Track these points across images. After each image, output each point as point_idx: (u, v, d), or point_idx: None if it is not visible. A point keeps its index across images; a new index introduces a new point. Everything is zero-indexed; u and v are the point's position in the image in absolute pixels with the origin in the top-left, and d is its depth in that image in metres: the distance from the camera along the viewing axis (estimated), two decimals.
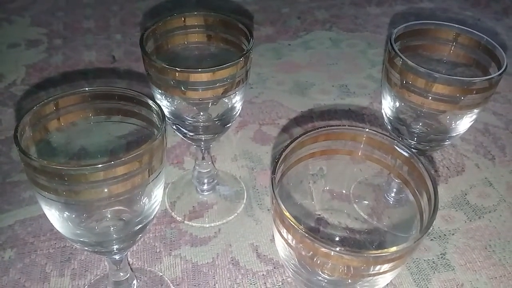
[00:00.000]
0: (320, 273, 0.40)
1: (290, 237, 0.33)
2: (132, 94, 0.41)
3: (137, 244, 0.56)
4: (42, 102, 0.39)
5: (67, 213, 0.39)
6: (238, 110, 0.53)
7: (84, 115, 0.43)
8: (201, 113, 0.53)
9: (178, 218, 0.60)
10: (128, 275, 0.48)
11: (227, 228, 0.59)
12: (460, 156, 0.69)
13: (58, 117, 0.41)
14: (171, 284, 0.52)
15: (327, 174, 0.42)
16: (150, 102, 0.40)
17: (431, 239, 0.58)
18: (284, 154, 0.35)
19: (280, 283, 0.53)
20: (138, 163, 0.36)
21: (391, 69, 0.47)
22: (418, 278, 0.53)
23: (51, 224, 0.58)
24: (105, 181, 0.35)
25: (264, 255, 0.56)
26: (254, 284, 0.53)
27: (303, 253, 0.33)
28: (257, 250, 0.56)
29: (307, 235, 0.30)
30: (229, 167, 0.67)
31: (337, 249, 0.30)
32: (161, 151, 0.39)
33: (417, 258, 0.55)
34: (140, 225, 0.41)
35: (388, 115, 0.52)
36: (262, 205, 0.62)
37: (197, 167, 0.61)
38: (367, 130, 0.37)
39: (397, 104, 0.49)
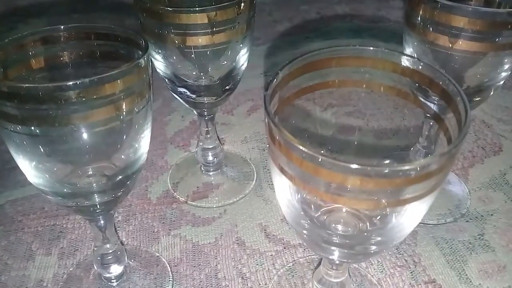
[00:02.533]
0: (333, 225, 0.34)
1: (292, 168, 0.27)
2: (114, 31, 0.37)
3: (122, 204, 0.51)
4: (15, 37, 0.35)
5: (46, 163, 0.34)
6: (241, 72, 0.48)
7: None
8: (203, 76, 0.49)
9: (180, 198, 0.54)
10: (116, 248, 0.43)
11: (234, 209, 0.53)
12: (497, 136, 0.62)
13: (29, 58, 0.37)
14: (168, 265, 0.47)
15: (336, 106, 0.35)
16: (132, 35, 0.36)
17: (466, 221, 0.50)
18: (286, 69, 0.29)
19: (291, 264, 0.46)
20: (119, 85, 0.31)
21: (413, 11, 0.41)
22: (452, 259, 0.46)
23: (43, 203, 0.54)
24: (82, 104, 0.30)
25: (274, 235, 0.49)
26: (261, 265, 0.46)
27: (312, 188, 0.27)
28: (265, 230, 0.50)
29: (317, 154, 0.24)
30: (238, 149, 0.62)
31: (354, 166, 0.24)
32: (146, 79, 0.34)
33: (450, 239, 0.48)
34: (124, 176, 0.36)
35: None
36: (273, 185, 0.56)
37: (200, 143, 0.55)
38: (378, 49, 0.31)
39: (421, 49, 0.43)
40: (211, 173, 0.58)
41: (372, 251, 0.31)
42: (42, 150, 0.33)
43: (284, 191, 0.30)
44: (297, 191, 0.32)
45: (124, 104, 0.33)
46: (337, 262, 0.35)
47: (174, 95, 0.49)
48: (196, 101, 0.49)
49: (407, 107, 0.35)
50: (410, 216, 0.29)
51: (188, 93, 0.48)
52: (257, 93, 0.72)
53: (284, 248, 0.48)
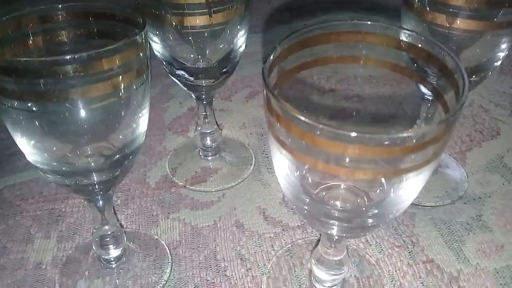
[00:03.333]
0: (331, 201, 0.34)
1: (292, 139, 0.27)
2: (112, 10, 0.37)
3: (121, 182, 0.51)
4: (12, 15, 0.35)
5: (44, 142, 0.34)
6: (239, 54, 0.48)
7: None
8: (200, 58, 0.49)
9: (179, 183, 0.54)
10: (115, 229, 0.43)
11: (232, 193, 0.53)
12: (494, 121, 0.62)
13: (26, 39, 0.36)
14: (167, 247, 0.47)
15: (334, 83, 0.35)
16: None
17: (464, 203, 0.51)
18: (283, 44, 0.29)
19: (289, 245, 0.46)
20: (116, 61, 0.31)
21: None
22: (450, 239, 0.46)
23: (42, 187, 0.54)
24: (79, 79, 0.30)
25: (272, 218, 0.49)
26: (260, 246, 0.46)
27: (311, 159, 0.27)
28: (264, 212, 0.50)
29: (316, 123, 0.24)
30: (237, 135, 0.62)
31: (354, 134, 0.23)
32: (144, 57, 0.34)
33: (448, 220, 0.48)
34: (121, 155, 0.36)
35: None
36: (271, 169, 0.56)
37: (199, 128, 0.55)
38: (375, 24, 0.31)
39: (419, 29, 0.43)
40: (209, 158, 0.58)
41: (369, 225, 0.32)
42: (39, 127, 0.33)
43: (284, 168, 0.30)
44: (296, 168, 0.32)
45: (121, 81, 0.33)
46: (336, 237, 0.35)
47: (172, 78, 0.49)
48: (194, 84, 0.49)
49: (405, 86, 0.35)
50: (407, 190, 0.29)
51: (186, 75, 0.48)
52: (255, 80, 0.72)
53: (283, 230, 0.48)
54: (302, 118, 0.25)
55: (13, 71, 0.30)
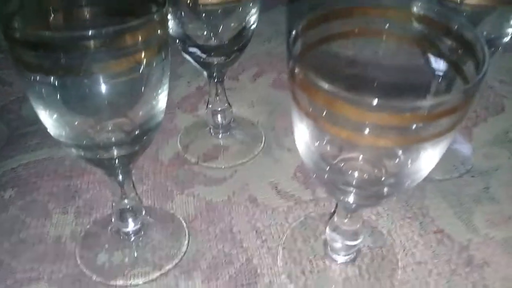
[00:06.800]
0: (349, 172, 0.35)
1: (315, 107, 0.28)
2: None
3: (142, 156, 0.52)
4: None
5: (66, 116, 0.35)
6: (251, 32, 0.49)
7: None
8: (213, 36, 0.49)
9: (191, 160, 0.55)
10: (134, 203, 0.44)
11: (244, 169, 0.54)
12: (499, 97, 0.63)
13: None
14: (183, 221, 0.48)
15: (356, 59, 0.36)
16: None
17: (472, 176, 0.52)
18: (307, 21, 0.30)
19: (303, 218, 0.47)
20: (138, 36, 0.32)
21: None
22: (459, 211, 0.47)
23: (56, 165, 0.55)
24: (104, 53, 0.31)
25: (285, 192, 0.51)
26: (274, 220, 0.47)
27: (334, 127, 0.28)
28: (276, 187, 0.51)
29: (341, 90, 0.25)
30: (246, 113, 0.63)
31: (376, 101, 0.24)
32: (164, 34, 0.34)
33: (457, 192, 0.49)
34: (141, 131, 0.37)
35: None
36: (282, 145, 0.57)
37: (210, 105, 0.56)
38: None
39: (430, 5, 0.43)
40: (220, 136, 0.58)
41: (385, 193, 0.33)
42: (62, 101, 0.34)
43: (305, 137, 0.31)
44: (317, 138, 0.32)
45: (143, 57, 0.34)
46: (353, 205, 0.36)
47: (185, 55, 0.50)
48: (206, 61, 0.49)
49: (423, 60, 0.36)
50: (424, 161, 0.31)
51: (199, 53, 0.49)
52: (262, 58, 0.72)
53: (296, 203, 0.49)
54: (326, 86, 0.26)
55: (38, 45, 0.30)
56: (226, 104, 0.56)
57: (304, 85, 0.27)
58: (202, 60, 0.49)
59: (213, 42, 0.49)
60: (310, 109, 0.28)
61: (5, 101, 0.68)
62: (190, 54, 0.49)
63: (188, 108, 0.64)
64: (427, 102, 0.26)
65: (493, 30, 0.44)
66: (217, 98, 0.55)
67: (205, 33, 0.49)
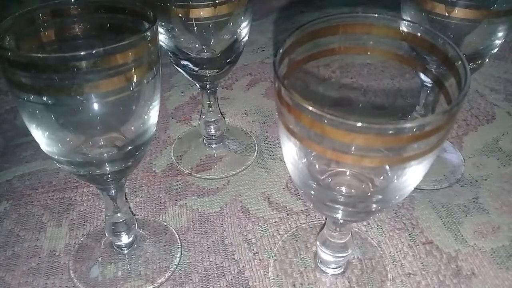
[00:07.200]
0: (337, 187, 0.36)
1: (301, 128, 0.28)
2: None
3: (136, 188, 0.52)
4: (26, 10, 0.36)
5: (58, 133, 0.35)
6: (243, 44, 0.49)
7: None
8: (205, 49, 0.50)
9: (185, 170, 0.56)
10: (127, 217, 0.44)
11: (237, 179, 0.55)
12: (490, 105, 0.64)
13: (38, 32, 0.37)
14: (176, 233, 0.48)
15: (340, 73, 0.37)
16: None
17: (461, 186, 0.53)
18: (291, 37, 0.31)
19: (294, 229, 0.48)
20: (130, 55, 0.32)
21: None
22: (448, 221, 0.48)
23: (51, 177, 0.55)
24: (95, 73, 0.31)
25: (277, 203, 0.51)
26: (266, 231, 0.48)
27: (319, 147, 0.28)
28: (268, 198, 0.52)
29: (324, 113, 0.25)
30: (239, 123, 0.63)
31: (360, 124, 0.25)
32: (155, 51, 0.35)
33: (446, 203, 0.50)
34: (133, 146, 0.38)
35: None
36: (274, 156, 0.57)
37: (203, 117, 0.57)
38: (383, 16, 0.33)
39: (419, 18, 0.44)
40: (213, 146, 0.59)
41: (373, 209, 0.33)
42: (54, 119, 0.34)
43: (292, 154, 0.32)
44: (304, 155, 0.33)
45: (134, 75, 0.34)
46: (341, 221, 0.36)
47: (177, 68, 0.50)
48: (199, 74, 0.50)
49: (407, 76, 0.36)
50: (411, 176, 0.31)
51: (191, 65, 0.49)
52: (255, 68, 0.73)
53: (287, 215, 0.50)
54: (311, 108, 0.26)
55: (30, 66, 0.31)
56: (219, 115, 0.57)
57: (290, 106, 0.28)
58: (194, 72, 0.50)
59: (205, 55, 0.50)
60: (296, 129, 0.29)
61: (0, 110, 0.68)
62: (183, 67, 0.50)
63: (182, 118, 0.65)
64: (410, 124, 0.26)
65: (481, 42, 0.45)
66: (210, 109, 0.56)
67: (197, 45, 0.49)
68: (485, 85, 0.67)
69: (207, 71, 0.50)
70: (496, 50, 0.45)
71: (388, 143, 0.27)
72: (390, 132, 0.26)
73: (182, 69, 0.50)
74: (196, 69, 0.49)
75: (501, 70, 0.70)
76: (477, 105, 0.64)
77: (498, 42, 0.44)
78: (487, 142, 0.58)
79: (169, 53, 0.49)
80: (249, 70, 0.72)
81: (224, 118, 0.57)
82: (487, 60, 0.45)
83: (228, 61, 0.50)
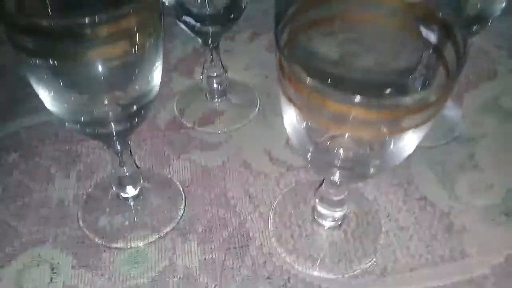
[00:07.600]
0: (335, 150, 0.37)
1: (300, 98, 0.29)
2: None
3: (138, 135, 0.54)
4: None
5: (64, 94, 0.36)
6: (246, 0, 0.49)
7: None
8: (207, 4, 0.49)
9: (187, 124, 0.57)
10: (132, 171, 0.46)
11: (239, 134, 0.56)
12: (492, 62, 0.64)
13: None
14: (180, 186, 0.50)
15: (341, 40, 0.37)
16: None
17: (459, 143, 0.54)
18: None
19: (294, 184, 0.50)
20: (133, 19, 0.32)
21: None
22: (443, 179, 0.50)
23: (57, 129, 0.56)
24: (99, 38, 0.31)
25: (277, 159, 0.53)
26: (266, 185, 0.50)
27: (318, 117, 0.29)
28: (270, 153, 0.53)
29: (323, 86, 0.26)
30: (241, 76, 0.63)
31: (358, 97, 0.26)
32: (157, 13, 0.35)
33: (442, 160, 0.51)
34: (138, 106, 0.38)
35: None
36: (276, 111, 0.58)
37: (205, 71, 0.57)
38: None
39: None
40: (215, 100, 0.60)
41: (370, 173, 0.35)
42: (59, 82, 0.35)
43: (291, 119, 0.33)
44: (303, 120, 0.34)
45: (138, 38, 0.34)
46: (338, 182, 0.38)
47: (179, 23, 0.50)
48: (201, 30, 0.50)
49: (408, 44, 0.37)
50: (408, 142, 0.32)
51: (193, 21, 0.49)
52: (258, 19, 0.72)
53: (287, 170, 0.51)
54: (310, 81, 0.27)
55: (34, 32, 0.31)
56: (221, 70, 0.57)
57: (290, 76, 0.28)
58: (196, 29, 0.50)
59: (208, 10, 0.49)
60: (296, 98, 0.30)
61: (6, 61, 0.68)
62: (184, 23, 0.49)
63: (184, 71, 0.65)
64: (408, 98, 0.27)
65: (484, 4, 0.45)
66: (212, 64, 0.56)
67: (199, 1, 0.49)
68: (490, 41, 0.67)
69: (210, 27, 0.49)
70: (499, 12, 0.44)
71: (385, 116, 0.28)
72: (387, 106, 0.27)
73: (184, 25, 0.50)
74: (198, 25, 0.49)
75: (505, 26, 0.69)
76: (479, 62, 0.64)
77: (500, 5, 0.44)
78: (487, 100, 0.59)
79: (172, 10, 0.49)
80: (252, 21, 0.71)
81: (226, 72, 0.57)
82: (490, 21, 0.45)
83: (230, 17, 0.49)
